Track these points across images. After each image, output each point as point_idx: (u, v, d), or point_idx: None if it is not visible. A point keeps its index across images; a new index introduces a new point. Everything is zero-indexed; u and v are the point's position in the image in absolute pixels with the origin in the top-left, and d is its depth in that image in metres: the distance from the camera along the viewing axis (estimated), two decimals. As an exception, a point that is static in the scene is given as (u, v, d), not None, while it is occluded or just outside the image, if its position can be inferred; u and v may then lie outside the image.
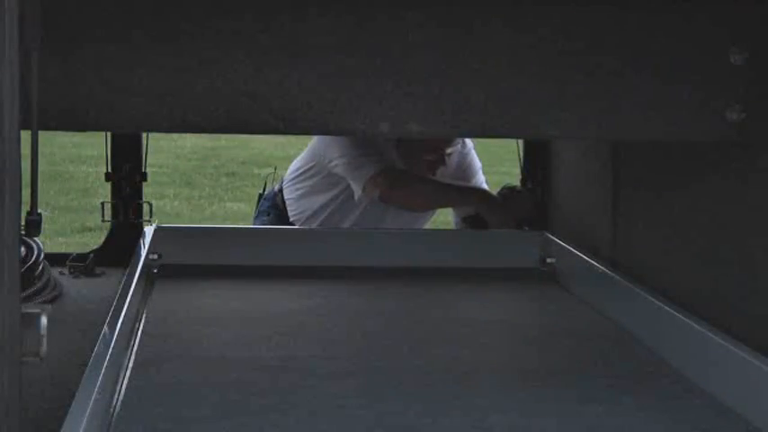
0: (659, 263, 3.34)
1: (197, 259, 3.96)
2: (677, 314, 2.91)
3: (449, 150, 4.49)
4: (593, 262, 3.66)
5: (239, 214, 9.82)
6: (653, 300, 3.09)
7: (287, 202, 4.60)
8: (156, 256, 3.85)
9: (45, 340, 1.86)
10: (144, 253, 3.70)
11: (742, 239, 2.84)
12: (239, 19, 2.71)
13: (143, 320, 3.19)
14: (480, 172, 4.71)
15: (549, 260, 4.04)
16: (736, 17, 2.78)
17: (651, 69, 2.80)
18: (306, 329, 3.18)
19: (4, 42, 1.62)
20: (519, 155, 4.51)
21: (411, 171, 4.42)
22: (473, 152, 4.71)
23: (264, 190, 4.89)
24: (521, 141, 4.46)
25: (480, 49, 2.76)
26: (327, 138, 4.37)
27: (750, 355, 2.50)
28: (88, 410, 2.04)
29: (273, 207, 4.68)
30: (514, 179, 4.64)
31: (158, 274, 3.80)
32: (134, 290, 3.12)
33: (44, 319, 1.86)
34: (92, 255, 4.06)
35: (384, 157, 4.34)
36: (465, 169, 4.65)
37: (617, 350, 3.02)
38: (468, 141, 4.67)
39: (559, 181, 4.32)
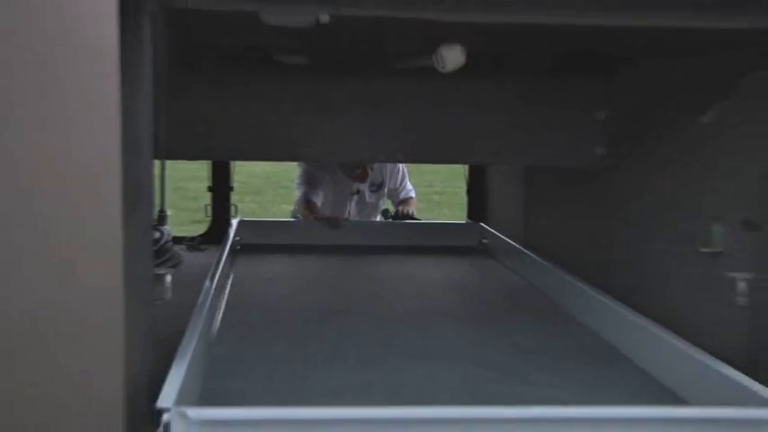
0: (555, 242, 3.34)
1: (265, 240, 3.96)
2: (567, 276, 2.89)
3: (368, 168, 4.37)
4: (512, 242, 3.64)
5: (288, 212, 9.77)
6: (552, 266, 3.07)
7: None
8: (239, 238, 3.86)
9: (170, 290, 1.88)
10: (231, 236, 3.71)
11: (604, 226, 2.85)
12: (296, 86, 2.75)
13: (230, 280, 3.19)
14: (406, 179, 4.54)
15: (484, 241, 4.01)
16: (599, 90, 2.80)
17: (545, 122, 2.82)
18: (326, 287, 3.15)
19: (141, 85, 1.57)
20: (464, 174, 4.47)
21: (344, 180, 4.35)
22: (401, 168, 4.52)
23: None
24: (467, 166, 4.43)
25: (443, 106, 2.78)
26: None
27: (625, 309, 2.38)
28: (198, 331, 2.05)
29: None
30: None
31: (240, 250, 3.82)
32: (225, 260, 3.13)
33: (168, 278, 1.88)
34: (199, 237, 4.06)
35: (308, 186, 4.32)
36: (386, 174, 4.48)
37: (530, 300, 2.99)
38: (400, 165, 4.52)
39: (492, 191, 4.30)
